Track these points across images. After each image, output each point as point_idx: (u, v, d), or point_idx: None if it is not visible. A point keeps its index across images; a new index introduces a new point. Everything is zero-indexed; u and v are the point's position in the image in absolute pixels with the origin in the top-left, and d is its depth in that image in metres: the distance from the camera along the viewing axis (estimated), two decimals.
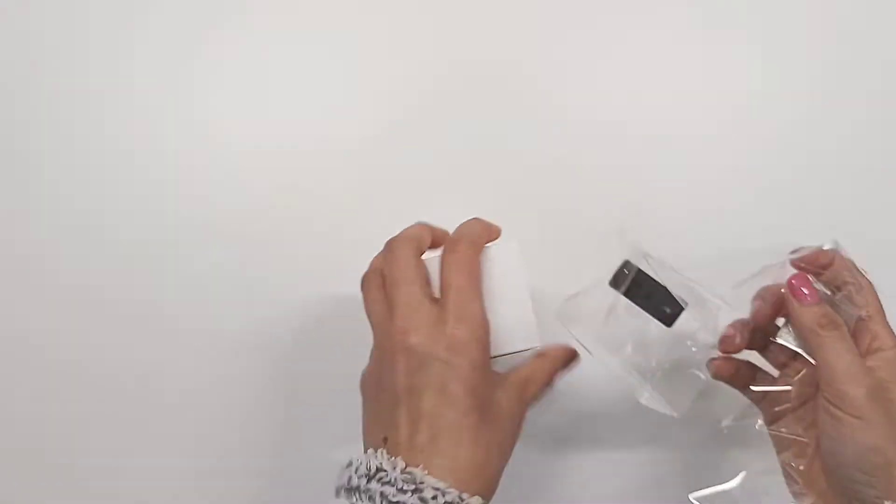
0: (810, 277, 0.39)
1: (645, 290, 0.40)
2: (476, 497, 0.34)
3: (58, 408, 0.51)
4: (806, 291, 0.38)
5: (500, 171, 0.53)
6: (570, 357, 0.41)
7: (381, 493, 0.33)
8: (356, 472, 0.34)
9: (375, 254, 0.49)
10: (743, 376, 0.42)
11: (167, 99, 0.53)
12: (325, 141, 0.53)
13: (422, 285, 0.38)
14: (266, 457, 0.51)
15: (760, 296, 0.41)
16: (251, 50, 0.54)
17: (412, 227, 0.41)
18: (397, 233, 0.41)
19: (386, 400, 0.36)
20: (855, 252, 0.47)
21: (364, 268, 0.50)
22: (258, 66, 0.54)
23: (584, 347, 0.42)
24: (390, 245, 0.40)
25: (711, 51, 0.55)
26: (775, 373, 0.42)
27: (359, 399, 0.40)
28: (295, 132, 0.53)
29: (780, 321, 0.41)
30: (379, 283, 0.39)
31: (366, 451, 0.35)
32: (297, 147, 0.53)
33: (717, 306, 0.41)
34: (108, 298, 0.51)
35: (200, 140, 0.53)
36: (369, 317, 0.39)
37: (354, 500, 0.33)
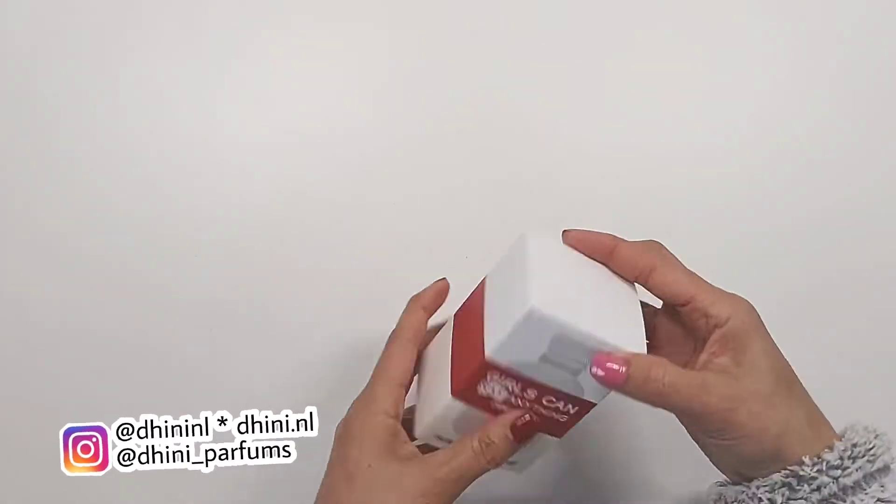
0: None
1: None
2: None
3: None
4: (615, 367, 0.35)
5: (504, 174, 0.53)
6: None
7: None
8: None
9: (376, 256, 0.51)
10: None
11: (169, 102, 0.53)
12: (327, 145, 0.53)
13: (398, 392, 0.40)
14: None
15: None
16: (257, 52, 0.54)
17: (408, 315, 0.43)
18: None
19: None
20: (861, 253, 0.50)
21: (371, 271, 0.51)
22: (262, 67, 0.54)
23: None
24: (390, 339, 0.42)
25: (708, 59, 0.56)
26: None
27: None
28: (297, 134, 0.54)
29: None
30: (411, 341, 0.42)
31: None
32: (300, 150, 0.53)
33: None
34: (111, 291, 0.51)
35: (204, 143, 0.53)
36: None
37: None
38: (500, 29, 0.55)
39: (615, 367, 0.34)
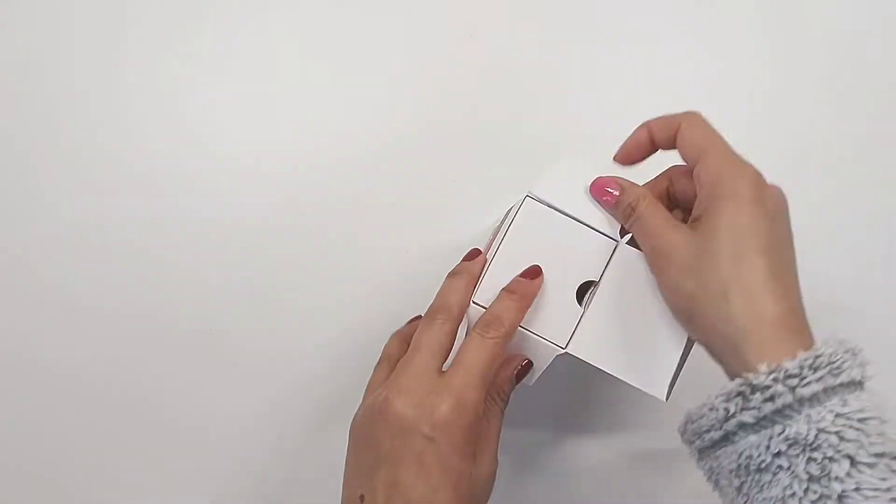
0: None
1: None
2: None
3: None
4: (610, 189, 0.40)
5: (508, 174, 0.53)
6: None
7: None
8: None
9: (382, 259, 0.51)
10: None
11: (167, 105, 0.52)
12: (329, 147, 0.53)
13: (438, 358, 0.39)
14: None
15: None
16: (255, 54, 0.54)
17: (453, 290, 0.41)
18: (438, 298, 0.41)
19: (368, 457, 0.38)
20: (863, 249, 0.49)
21: (371, 273, 0.51)
22: (262, 70, 0.53)
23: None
24: (430, 313, 0.41)
25: (704, 56, 0.55)
26: None
27: None
28: (298, 138, 0.53)
29: None
30: (390, 365, 0.41)
31: None
32: (301, 153, 0.53)
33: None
34: (104, 306, 0.51)
35: (201, 148, 0.52)
36: (370, 382, 0.42)
37: None
38: (502, 28, 0.54)
39: (611, 190, 0.40)
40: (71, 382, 0.50)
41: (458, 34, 0.54)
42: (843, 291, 0.53)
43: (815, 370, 0.32)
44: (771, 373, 0.32)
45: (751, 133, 0.52)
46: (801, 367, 0.32)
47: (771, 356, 0.33)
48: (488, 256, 0.41)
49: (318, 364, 0.51)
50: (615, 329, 0.40)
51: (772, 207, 0.36)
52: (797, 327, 0.34)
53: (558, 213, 0.41)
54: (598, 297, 0.40)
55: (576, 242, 0.40)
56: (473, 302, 0.41)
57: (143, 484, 0.50)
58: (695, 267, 0.35)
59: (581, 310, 0.40)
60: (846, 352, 0.33)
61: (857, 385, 0.32)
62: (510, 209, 0.43)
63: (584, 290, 0.41)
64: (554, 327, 0.40)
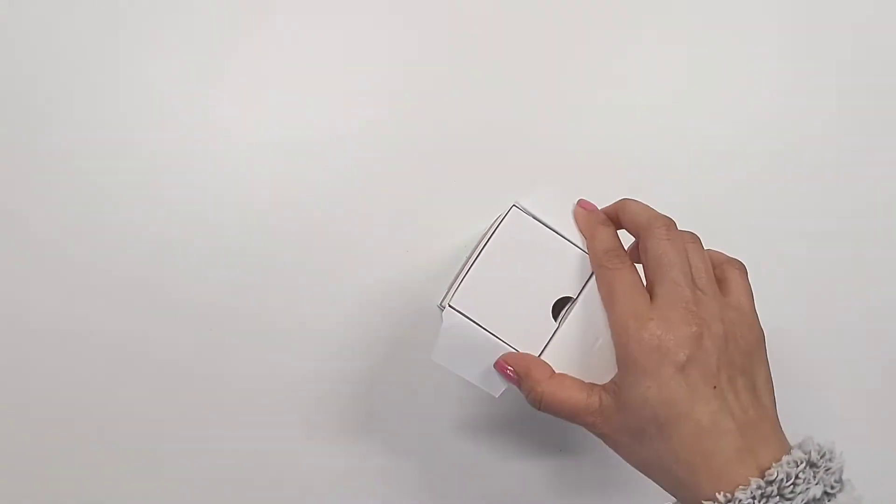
0: None
1: None
2: None
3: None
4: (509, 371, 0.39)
5: (509, 175, 0.52)
6: None
7: None
8: None
9: (381, 260, 0.50)
10: None
11: (165, 106, 0.52)
12: (328, 148, 0.53)
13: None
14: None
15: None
16: (254, 55, 0.53)
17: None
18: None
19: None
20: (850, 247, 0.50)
21: (369, 273, 0.50)
22: (261, 71, 0.53)
23: None
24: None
25: (712, 56, 0.55)
26: None
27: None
28: (297, 139, 0.53)
29: None
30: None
31: None
32: (302, 143, 0.52)
33: None
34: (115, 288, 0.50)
35: (200, 148, 0.52)
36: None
37: None
38: (503, 29, 0.54)
39: (509, 370, 0.39)
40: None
41: (459, 35, 0.54)
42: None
43: (767, 499, 0.33)
44: (728, 502, 0.33)
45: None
46: (753, 497, 0.33)
47: (727, 482, 0.34)
48: (469, 262, 0.41)
49: (317, 364, 0.51)
50: (586, 349, 0.40)
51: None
52: (760, 441, 0.35)
53: (543, 227, 0.40)
54: (574, 315, 0.40)
55: (557, 257, 0.40)
56: (449, 306, 0.40)
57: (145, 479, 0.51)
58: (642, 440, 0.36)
59: (555, 325, 0.40)
60: (806, 469, 0.34)
61: (818, 501, 0.33)
62: (497, 218, 0.42)
63: (560, 306, 0.40)
64: (527, 339, 0.40)
